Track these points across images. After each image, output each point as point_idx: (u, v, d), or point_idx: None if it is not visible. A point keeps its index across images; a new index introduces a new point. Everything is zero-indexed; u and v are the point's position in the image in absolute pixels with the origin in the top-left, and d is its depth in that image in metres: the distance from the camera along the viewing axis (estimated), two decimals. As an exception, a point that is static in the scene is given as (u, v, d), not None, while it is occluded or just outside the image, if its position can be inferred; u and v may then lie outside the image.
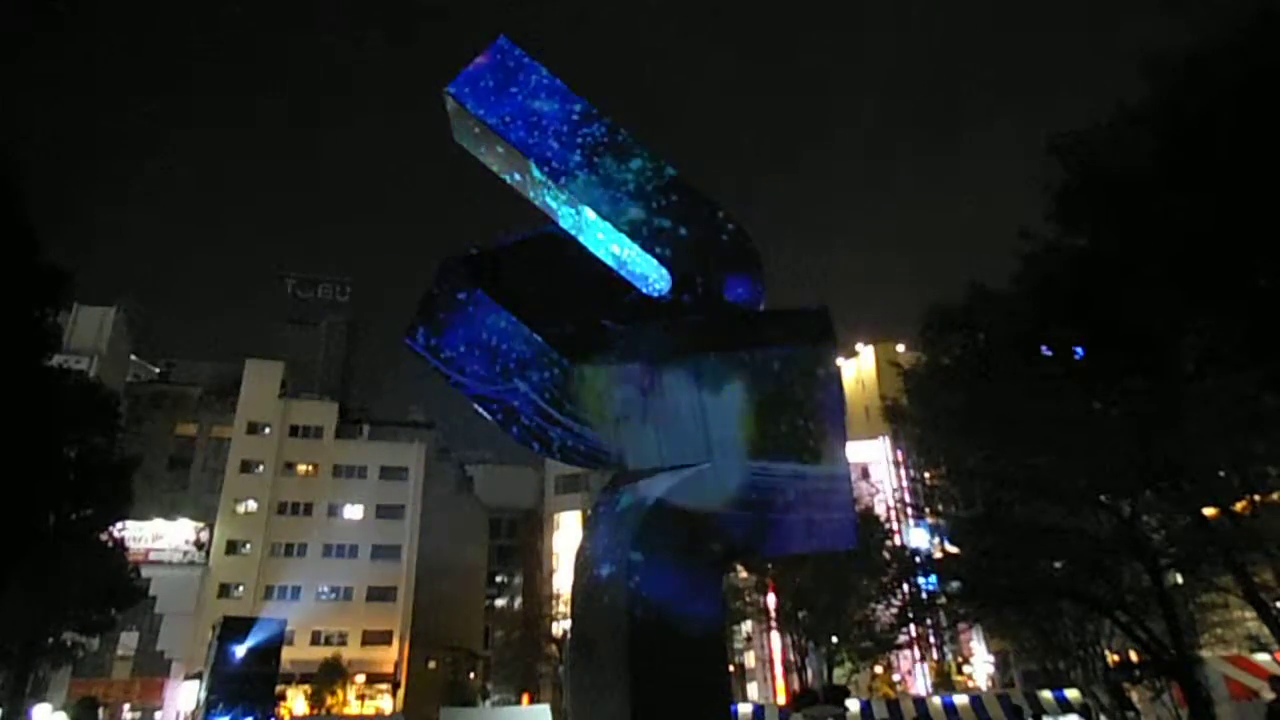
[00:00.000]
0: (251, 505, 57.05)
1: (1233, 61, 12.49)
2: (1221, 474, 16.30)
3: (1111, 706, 22.92)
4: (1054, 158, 15.57)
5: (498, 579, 77.72)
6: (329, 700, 48.62)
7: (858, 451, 42.99)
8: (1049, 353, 17.34)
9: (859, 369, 57.91)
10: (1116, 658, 25.01)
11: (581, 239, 5.03)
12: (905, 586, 22.91)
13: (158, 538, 53.81)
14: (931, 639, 29.87)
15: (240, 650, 28.74)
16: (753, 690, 46.46)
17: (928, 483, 25.13)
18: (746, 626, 42.92)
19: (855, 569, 27.75)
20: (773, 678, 44.28)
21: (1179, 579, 20.72)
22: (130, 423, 38.30)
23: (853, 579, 28.99)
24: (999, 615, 23.09)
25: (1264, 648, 19.91)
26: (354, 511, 58.75)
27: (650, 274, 4.81)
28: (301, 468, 59.42)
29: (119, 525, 29.11)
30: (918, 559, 23.35)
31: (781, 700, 35.74)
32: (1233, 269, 12.95)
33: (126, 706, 50.55)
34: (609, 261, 4.98)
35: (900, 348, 43.97)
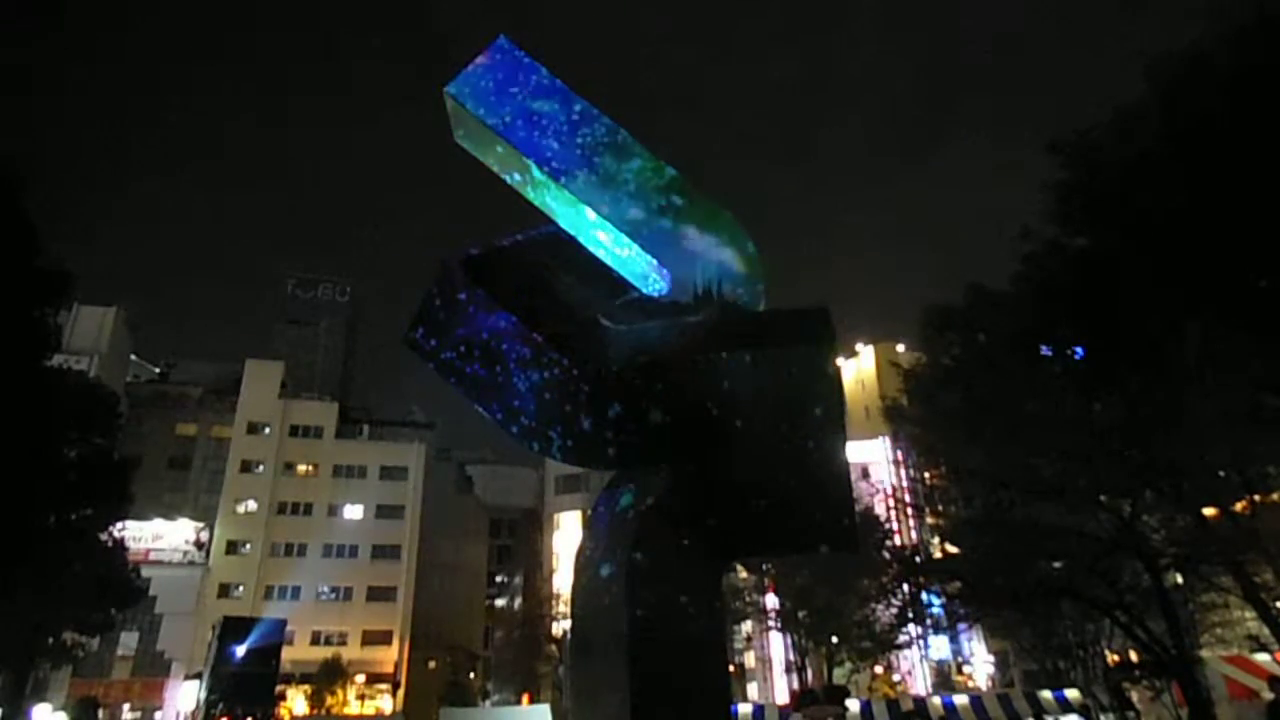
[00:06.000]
0: (251, 505, 57.05)
1: (1232, 59, 12.47)
2: (1221, 474, 16.30)
3: (1111, 706, 22.95)
4: (1054, 157, 15.56)
5: (498, 579, 77.69)
6: (329, 700, 48.63)
7: (858, 451, 42.94)
8: (1049, 353, 17.35)
9: (859, 369, 57.96)
10: (1116, 658, 25.05)
11: (581, 239, 5.03)
12: (905, 586, 22.92)
13: (158, 538, 53.83)
14: (931, 639, 29.87)
15: (240, 650, 28.85)
16: (753, 690, 46.44)
17: (928, 483, 25.16)
18: (746, 626, 42.93)
19: (855, 569, 27.76)
20: (772, 678, 44.29)
21: (1179, 579, 20.73)
22: (130, 423, 38.26)
23: (852, 579, 29.00)
24: (999, 615, 23.11)
25: (1264, 648, 19.89)
26: (354, 511, 58.74)
27: (650, 274, 4.81)
28: (301, 468, 59.40)
29: (119, 525, 29.09)
30: (918, 559, 23.37)
31: (781, 700, 35.72)
32: (1232, 268, 12.93)
33: (126, 706, 50.59)
34: (609, 261, 4.98)
35: (900, 348, 44.01)
